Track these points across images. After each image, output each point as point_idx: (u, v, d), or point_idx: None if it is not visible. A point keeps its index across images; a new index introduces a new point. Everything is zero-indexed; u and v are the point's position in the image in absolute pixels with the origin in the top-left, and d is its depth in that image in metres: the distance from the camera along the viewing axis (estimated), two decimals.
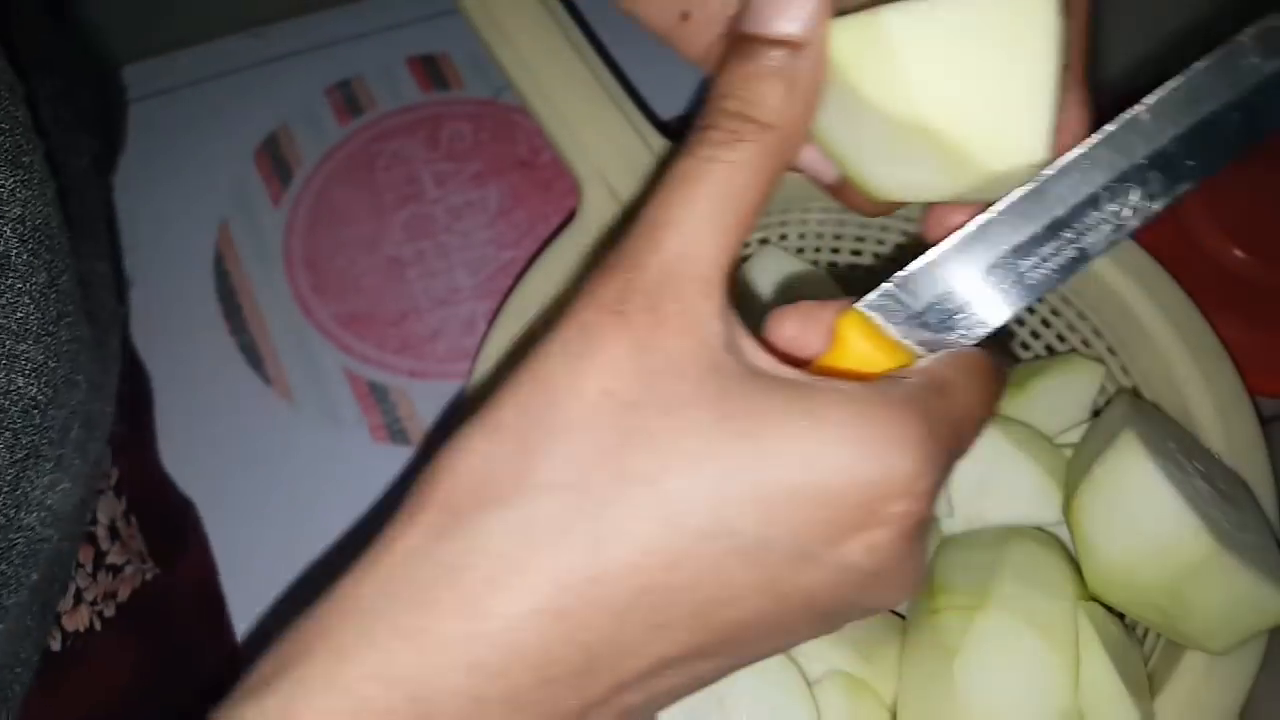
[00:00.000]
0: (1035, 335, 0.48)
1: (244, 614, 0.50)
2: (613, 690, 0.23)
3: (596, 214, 0.44)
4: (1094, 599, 0.38)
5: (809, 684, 0.38)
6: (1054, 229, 0.24)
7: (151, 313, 0.58)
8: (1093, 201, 0.24)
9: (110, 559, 0.41)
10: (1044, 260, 0.25)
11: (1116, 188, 0.24)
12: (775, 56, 0.24)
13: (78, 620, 0.38)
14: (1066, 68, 0.26)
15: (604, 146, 0.44)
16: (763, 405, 0.22)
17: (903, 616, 0.41)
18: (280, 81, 0.66)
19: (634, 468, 0.22)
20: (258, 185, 0.63)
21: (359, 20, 0.68)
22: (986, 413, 0.25)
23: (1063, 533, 0.41)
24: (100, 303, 0.39)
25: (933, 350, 0.26)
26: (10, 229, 0.30)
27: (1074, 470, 0.41)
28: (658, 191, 0.23)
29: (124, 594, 0.42)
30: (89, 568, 0.40)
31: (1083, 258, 0.25)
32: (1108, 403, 0.44)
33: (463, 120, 0.65)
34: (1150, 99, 0.24)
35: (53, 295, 0.32)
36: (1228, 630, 0.35)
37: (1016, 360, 0.48)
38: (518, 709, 0.22)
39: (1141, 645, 0.39)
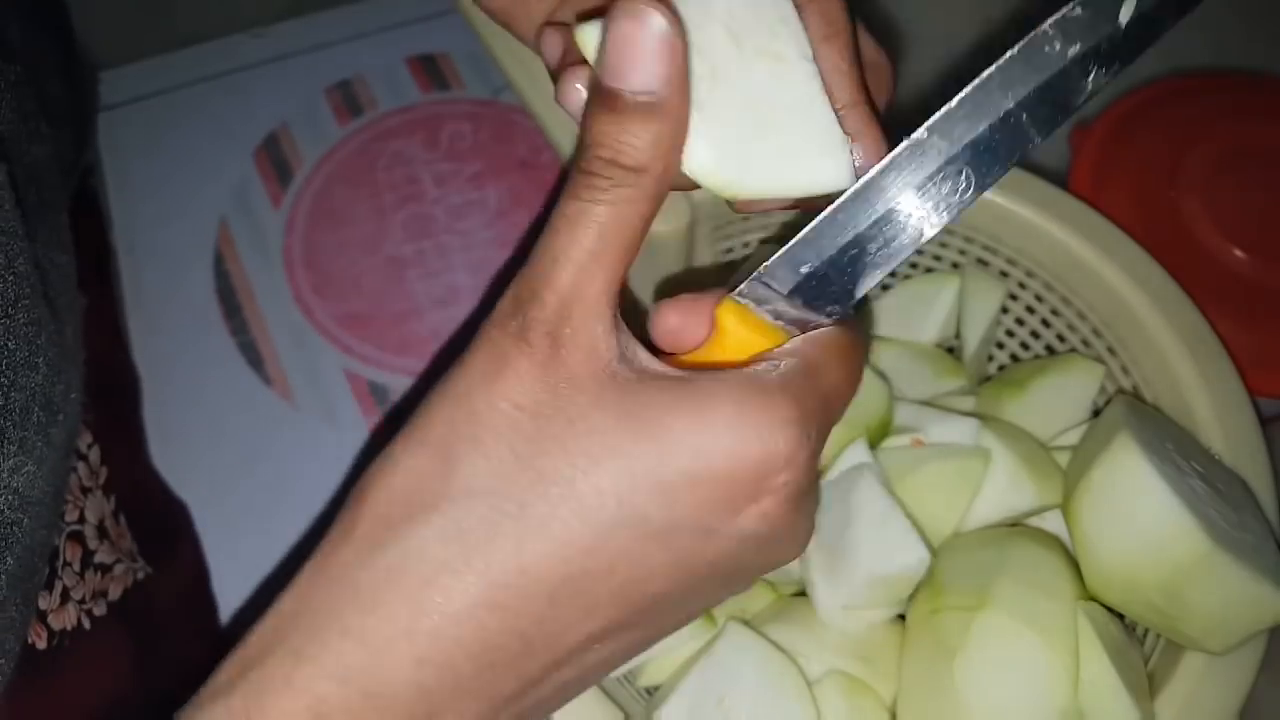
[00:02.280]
0: (1035, 335, 0.48)
1: (240, 614, 0.50)
2: (549, 668, 0.26)
3: None
4: (1093, 599, 0.38)
5: (809, 684, 0.38)
6: (887, 218, 0.27)
7: (151, 313, 0.58)
8: (923, 187, 0.27)
9: (99, 558, 0.41)
10: (886, 243, 0.27)
11: (945, 171, 0.27)
12: (638, 108, 0.26)
13: (65, 619, 0.38)
14: (847, 107, 0.29)
15: None
16: (655, 405, 0.25)
17: (902, 617, 0.41)
18: (280, 81, 0.66)
19: (548, 470, 0.24)
20: (258, 185, 0.63)
21: (359, 20, 0.69)
22: (852, 385, 0.28)
23: (1043, 523, 0.41)
24: (58, 291, 0.38)
25: (802, 329, 0.28)
26: None
27: (1072, 471, 0.40)
28: (551, 228, 0.26)
29: (115, 593, 0.42)
30: (76, 566, 0.39)
31: (919, 237, 0.28)
32: (1107, 403, 0.44)
33: (463, 120, 0.65)
34: (966, 90, 0.27)
35: (10, 277, 0.32)
36: (1226, 630, 0.35)
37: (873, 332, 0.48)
38: (462, 694, 0.25)
39: (1141, 645, 0.39)
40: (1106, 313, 0.44)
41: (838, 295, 0.28)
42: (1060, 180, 0.46)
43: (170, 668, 0.45)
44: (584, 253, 0.25)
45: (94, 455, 0.43)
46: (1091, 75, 0.27)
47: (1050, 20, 0.27)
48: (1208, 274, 0.49)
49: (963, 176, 0.27)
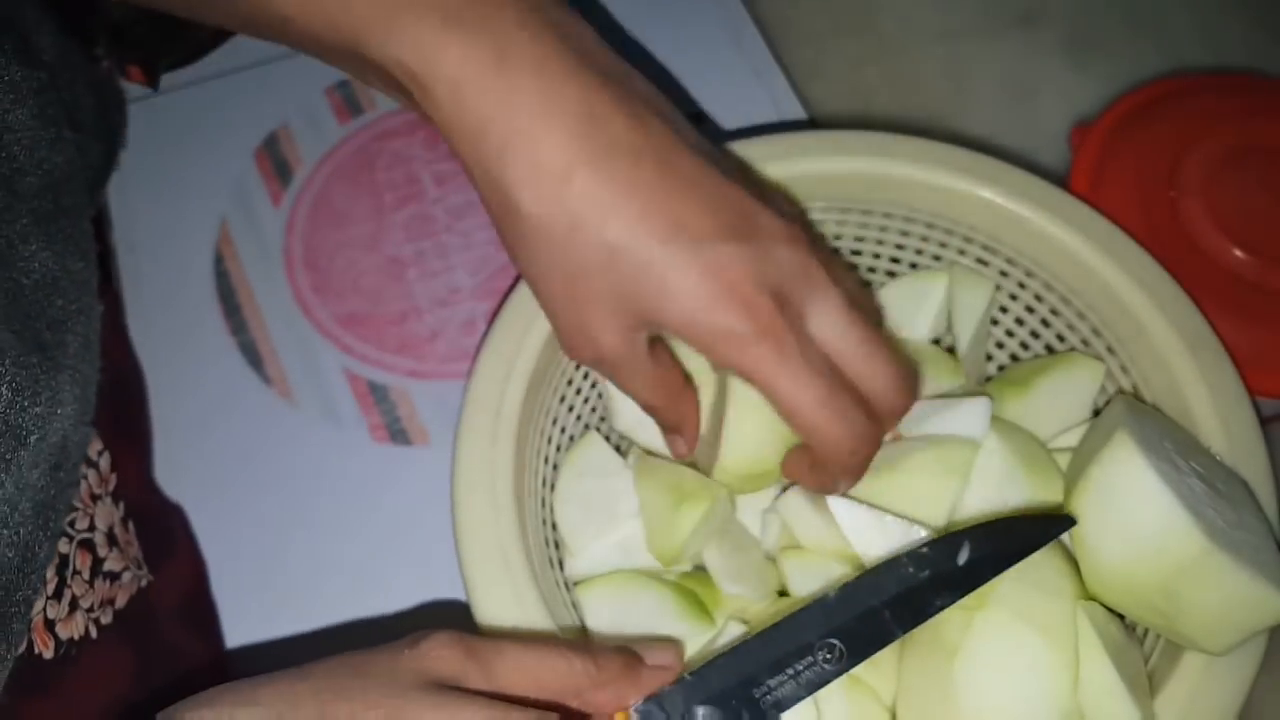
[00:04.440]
0: (1035, 335, 0.48)
1: (241, 615, 0.50)
2: None
3: None
4: (1093, 599, 0.38)
5: None
6: (747, 685, 0.33)
7: (151, 313, 0.58)
8: (802, 654, 0.33)
9: (108, 565, 0.41)
10: (770, 690, 0.33)
11: (823, 645, 0.33)
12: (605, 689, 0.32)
13: (73, 628, 0.38)
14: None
15: None
16: None
17: None
18: (280, 81, 0.66)
19: None
20: (258, 185, 0.63)
21: None
22: None
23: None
24: (70, 298, 0.38)
25: None
26: None
27: (1072, 471, 0.41)
28: (529, 644, 0.32)
29: (121, 601, 0.42)
30: (86, 575, 0.39)
31: (779, 707, 0.33)
32: (1107, 403, 0.44)
33: None
34: (836, 590, 0.35)
35: None
36: (1226, 630, 0.35)
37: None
38: None
39: (1141, 645, 0.39)
40: (1106, 312, 0.44)
41: None
42: (1060, 180, 0.46)
43: (171, 672, 0.45)
44: (526, 665, 0.31)
45: (104, 462, 0.43)
46: (938, 597, 0.35)
47: (906, 553, 0.36)
48: (1208, 274, 0.49)
49: (836, 651, 0.34)
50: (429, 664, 0.30)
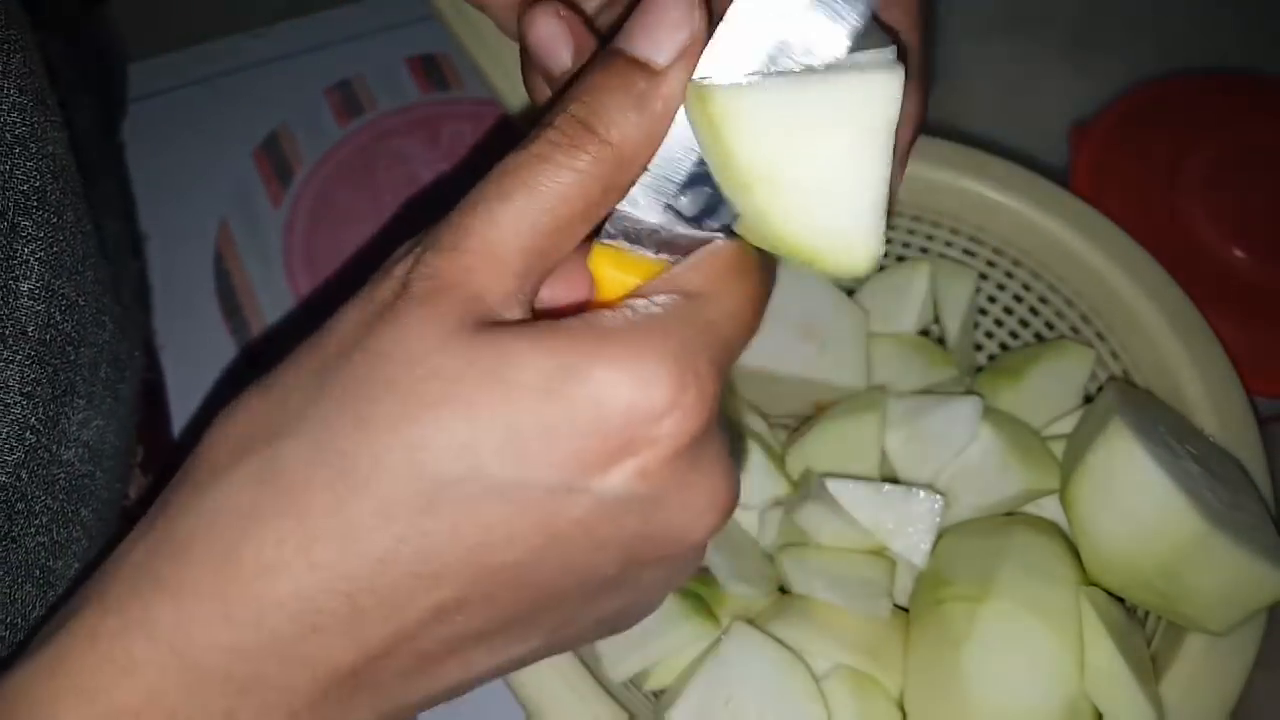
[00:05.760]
0: (1024, 324, 0.48)
1: None
2: (394, 640, 0.22)
3: None
4: (1094, 584, 0.39)
5: (816, 681, 0.38)
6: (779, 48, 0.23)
7: (152, 313, 0.58)
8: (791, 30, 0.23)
9: None
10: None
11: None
12: (633, 77, 0.23)
13: None
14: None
15: None
16: (508, 348, 0.22)
17: (905, 610, 0.41)
18: (280, 81, 0.66)
19: (375, 416, 0.21)
20: (258, 185, 0.63)
21: (359, 20, 0.68)
22: (751, 304, 0.24)
23: (1040, 510, 0.42)
24: (113, 254, 0.39)
25: (687, 256, 0.24)
26: (45, 164, 0.30)
27: (1068, 458, 0.41)
28: (485, 177, 0.23)
29: None
30: None
31: (817, 51, 0.23)
32: (1099, 389, 0.44)
33: (463, 120, 0.65)
34: None
35: (78, 235, 0.32)
36: (1226, 609, 0.36)
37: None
38: (286, 659, 0.22)
39: (1143, 628, 0.40)
40: (1093, 298, 0.44)
41: (718, 205, 0.24)
42: (1060, 180, 0.47)
43: None
44: (508, 208, 0.23)
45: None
46: None
47: None
48: (1208, 274, 0.49)
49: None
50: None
